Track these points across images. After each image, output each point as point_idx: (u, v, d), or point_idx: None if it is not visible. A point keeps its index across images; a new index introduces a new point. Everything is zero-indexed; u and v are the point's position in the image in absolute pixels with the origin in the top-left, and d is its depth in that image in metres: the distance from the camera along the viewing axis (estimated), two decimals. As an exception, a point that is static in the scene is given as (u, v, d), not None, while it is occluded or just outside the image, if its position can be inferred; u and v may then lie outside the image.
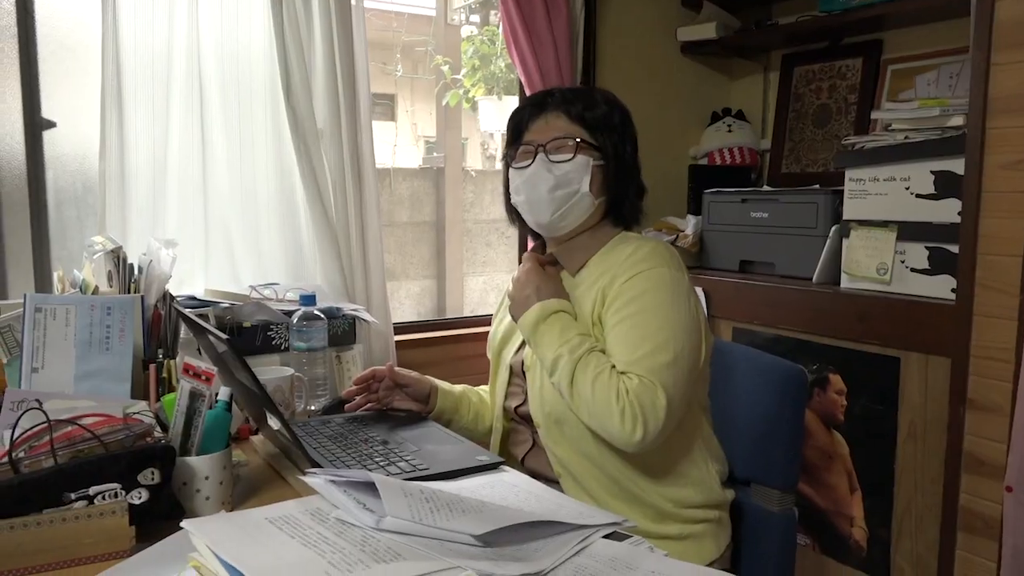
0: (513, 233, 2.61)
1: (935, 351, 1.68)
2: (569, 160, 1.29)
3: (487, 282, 3.33)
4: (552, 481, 1.28)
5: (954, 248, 1.65)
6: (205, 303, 1.70)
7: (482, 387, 1.55)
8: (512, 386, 1.39)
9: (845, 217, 1.93)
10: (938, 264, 1.73)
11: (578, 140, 1.29)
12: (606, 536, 1.00)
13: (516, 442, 1.39)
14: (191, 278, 1.90)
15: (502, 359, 1.42)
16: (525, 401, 1.34)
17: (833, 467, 1.92)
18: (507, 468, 1.22)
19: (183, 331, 1.47)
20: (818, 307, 1.94)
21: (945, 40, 2.17)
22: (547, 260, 1.37)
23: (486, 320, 2.56)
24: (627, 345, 1.19)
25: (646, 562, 0.94)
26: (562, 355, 1.20)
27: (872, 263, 1.86)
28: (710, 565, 1.26)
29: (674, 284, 1.23)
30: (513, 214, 1.41)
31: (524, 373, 1.34)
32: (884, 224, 1.84)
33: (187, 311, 1.33)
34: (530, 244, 1.54)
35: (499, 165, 2.79)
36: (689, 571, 0.92)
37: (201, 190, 1.89)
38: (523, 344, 1.35)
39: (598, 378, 1.16)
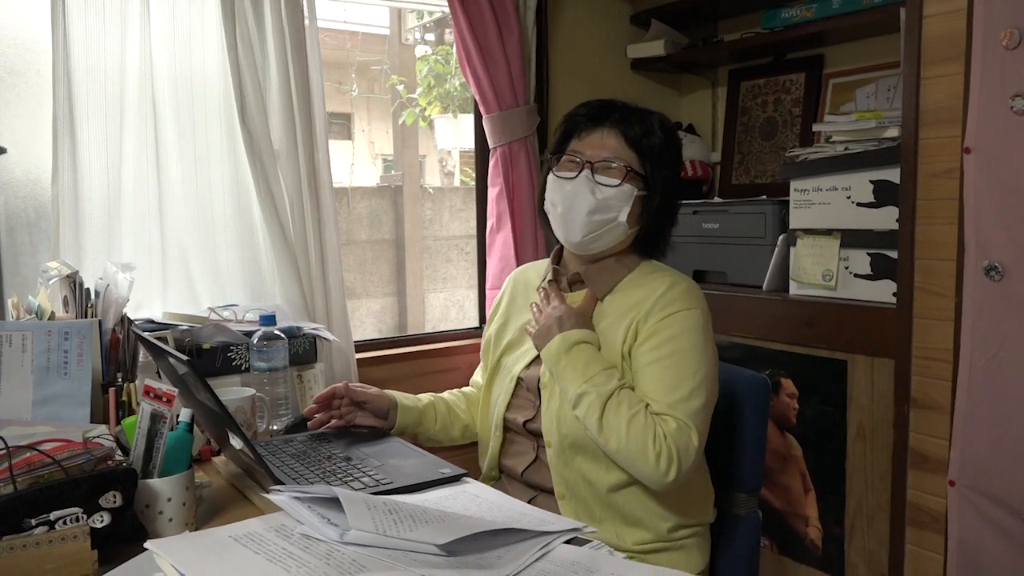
0: (472, 249, 2.63)
1: (880, 353, 1.75)
2: (615, 186, 1.26)
3: (448, 298, 3.35)
4: (551, 495, 1.30)
5: (894, 254, 1.72)
6: (164, 326, 1.69)
7: (453, 392, 1.55)
8: (518, 398, 1.37)
9: (791, 226, 2.00)
10: (880, 269, 1.80)
11: (628, 167, 1.27)
12: (567, 542, 1.02)
13: (514, 453, 1.37)
14: (149, 301, 1.89)
15: (503, 367, 1.41)
16: (535, 417, 1.33)
17: (787, 469, 1.97)
18: (469, 480, 1.24)
19: (142, 354, 1.47)
20: (769, 314, 2.00)
21: (882, 55, 2.27)
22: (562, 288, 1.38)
23: (448, 335, 2.59)
24: (664, 387, 1.20)
25: (606, 565, 0.97)
26: (588, 391, 1.20)
27: (818, 270, 1.93)
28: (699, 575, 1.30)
29: (706, 327, 1.26)
30: (544, 217, 1.37)
31: (539, 390, 1.32)
32: (828, 232, 1.91)
33: (146, 334, 1.33)
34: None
35: (458, 182, 2.81)
36: (648, 572, 0.96)
37: (157, 213, 1.89)
38: (537, 359, 1.34)
39: (634, 419, 1.17)
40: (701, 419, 1.20)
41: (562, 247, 1.38)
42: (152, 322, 1.73)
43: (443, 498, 1.17)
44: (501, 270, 2.36)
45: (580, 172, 1.27)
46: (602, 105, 1.32)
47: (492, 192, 2.39)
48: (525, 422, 1.34)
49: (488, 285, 2.44)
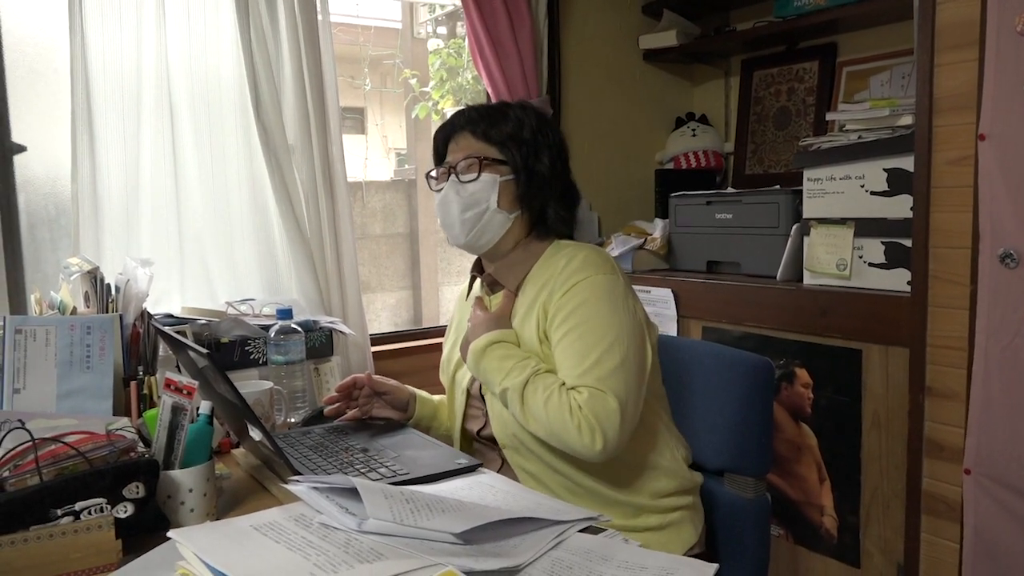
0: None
1: (894, 342, 1.74)
2: (474, 180, 1.31)
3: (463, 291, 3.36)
4: None
5: (908, 242, 1.71)
6: (182, 320, 1.71)
7: None
8: (471, 408, 1.40)
9: (805, 216, 1.99)
10: (894, 258, 1.79)
11: (482, 158, 1.32)
12: (582, 530, 1.03)
13: (487, 464, 1.38)
14: (167, 296, 1.91)
15: (456, 383, 1.43)
16: (486, 424, 1.35)
17: (802, 459, 1.97)
18: (485, 470, 1.26)
19: (162, 348, 1.49)
20: (782, 304, 2.00)
21: (896, 42, 2.25)
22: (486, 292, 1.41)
23: (462, 328, 2.60)
24: (573, 359, 1.20)
25: (620, 553, 0.98)
26: (507, 386, 1.22)
27: (832, 259, 1.92)
28: (690, 549, 1.31)
29: (611, 289, 1.25)
30: None
31: (483, 397, 1.34)
32: (842, 221, 1.90)
33: (165, 329, 1.35)
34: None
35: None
36: (663, 560, 0.96)
37: (174, 209, 1.91)
38: None
39: (549, 400, 1.18)
40: (617, 381, 1.18)
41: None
42: (171, 316, 1.76)
43: (459, 488, 1.18)
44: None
45: (448, 179, 1.34)
46: (455, 115, 1.38)
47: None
48: (479, 431, 1.37)
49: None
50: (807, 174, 1.97)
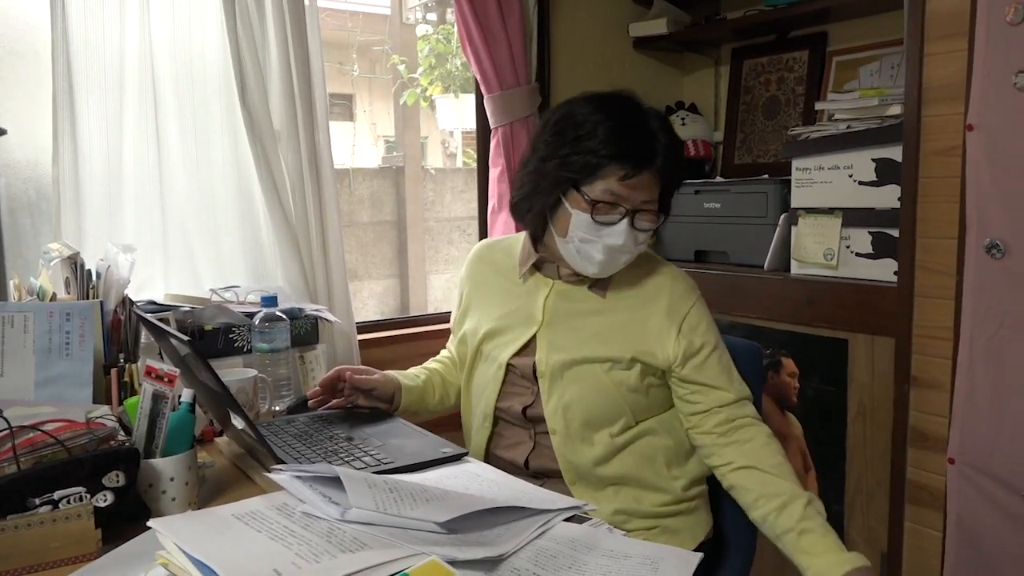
0: (474, 230, 2.63)
1: (880, 332, 1.75)
2: (650, 230, 1.29)
3: (450, 280, 3.35)
4: (559, 479, 1.33)
5: (895, 232, 1.71)
6: (165, 307, 1.70)
7: (440, 360, 1.58)
8: (511, 386, 1.38)
9: (793, 205, 1.99)
10: (881, 248, 1.80)
11: (661, 204, 1.30)
12: (567, 520, 1.03)
13: (508, 445, 1.39)
14: (150, 283, 1.89)
15: (486, 355, 1.41)
16: (534, 403, 1.35)
17: (788, 448, 1.98)
18: (471, 459, 1.25)
19: (144, 336, 1.47)
20: (770, 293, 2.00)
21: (886, 31, 2.24)
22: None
23: (450, 317, 2.59)
24: (730, 374, 1.32)
25: (604, 542, 0.97)
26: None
27: (819, 249, 1.92)
28: (710, 532, 1.39)
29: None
30: (533, 220, 1.35)
31: (536, 377, 1.35)
32: (830, 211, 1.90)
33: (147, 315, 1.33)
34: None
35: (460, 163, 2.78)
36: (647, 549, 0.96)
37: (158, 194, 1.89)
38: (526, 346, 1.36)
39: (778, 455, 1.27)
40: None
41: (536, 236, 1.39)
42: (154, 303, 1.74)
43: (444, 477, 1.18)
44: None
45: (622, 219, 1.25)
46: (645, 148, 1.25)
47: (494, 172, 2.39)
48: (524, 408, 1.36)
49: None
50: (795, 164, 1.97)
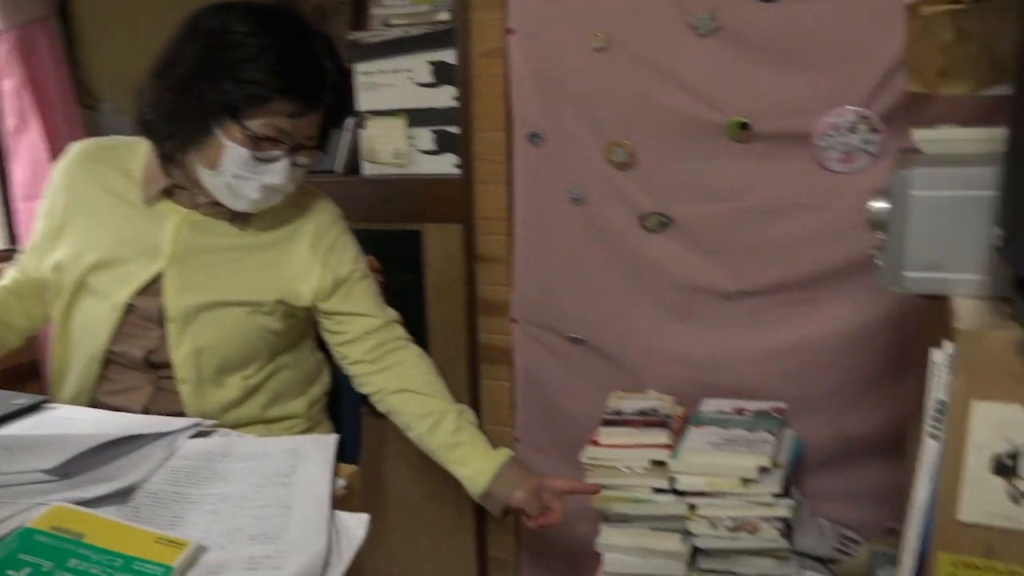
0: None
1: (448, 220, 1.95)
2: (309, 167, 1.23)
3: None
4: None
5: (454, 129, 1.90)
6: None
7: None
8: (130, 327, 1.22)
9: (360, 109, 2.07)
10: (443, 144, 1.98)
11: (320, 138, 1.24)
12: (194, 437, 1.00)
13: (121, 390, 1.24)
14: None
15: (93, 290, 1.21)
16: (159, 349, 1.22)
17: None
18: (55, 404, 1.12)
19: None
20: (346, 196, 2.03)
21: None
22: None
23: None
24: (378, 299, 1.37)
25: (240, 446, 0.98)
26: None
27: (388, 150, 2.05)
28: None
29: None
30: (171, 145, 1.18)
31: (160, 320, 1.20)
32: (394, 113, 2.02)
33: None
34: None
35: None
36: (284, 442, 0.99)
37: None
38: (150, 285, 1.20)
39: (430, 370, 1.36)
40: None
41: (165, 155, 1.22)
42: None
43: (29, 429, 1.04)
44: (33, 178, 2.04)
45: (284, 157, 1.17)
46: (314, 82, 1.17)
47: (7, 85, 2.02)
48: (147, 354, 1.22)
49: (18, 197, 2.10)
50: (359, 68, 2.03)
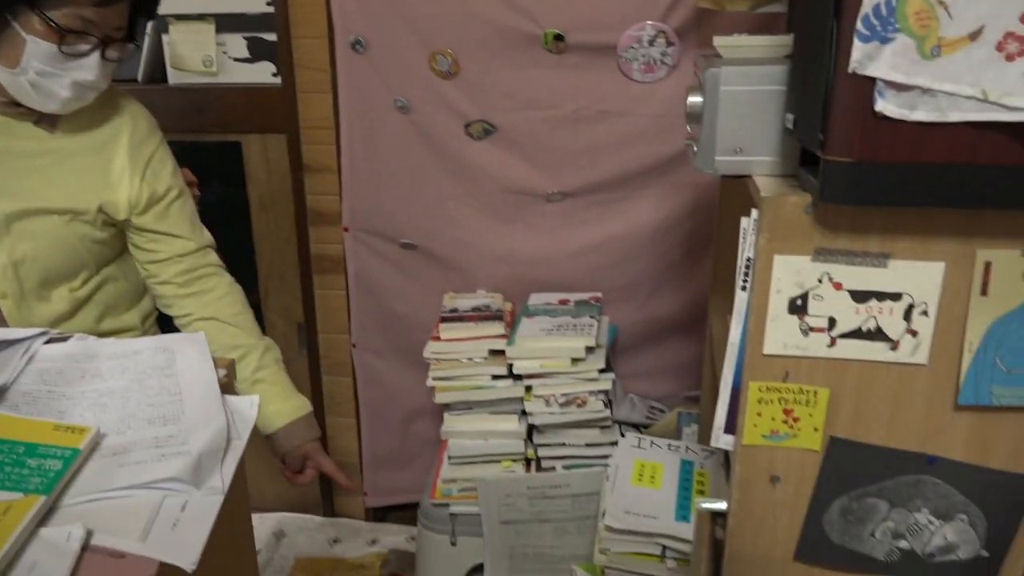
0: None
1: (271, 130, 1.91)
2: (120, 61, 1.14)
3: None
4: None
5: (271, 36, 1.85)
6: None
7: None
8: None
9: (161, 12, 1.93)
10: (257, 52, 1.92)
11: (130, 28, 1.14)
12: (48, 344, 0.97)
13: None
14: None
15: None
16: None
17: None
18: None
19: None
20: (154, 105, 1.91)
21: None
22: None
23: None
24: (193, 221, 1.31)
25: (104, 347, 0.96)
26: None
27: (197, 57, 1.94)
28: None
29: None
30: None
31: None
32: (201, 17, 1.92)
33: None
34: None
35: None
36: (153, 340, 0.98)
37: None
38: None
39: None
40: None
41: None
42: None
43: None
44: None
45: (93, 51, 1.09)
46: None
47: None
48: None
49: None
50: (158, -35, 1.89)
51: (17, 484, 0.65)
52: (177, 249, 1.26)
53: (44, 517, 0.66)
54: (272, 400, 1.29)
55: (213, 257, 1.33)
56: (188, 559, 0.66)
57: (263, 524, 2.09)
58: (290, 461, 1.33)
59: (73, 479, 0.70)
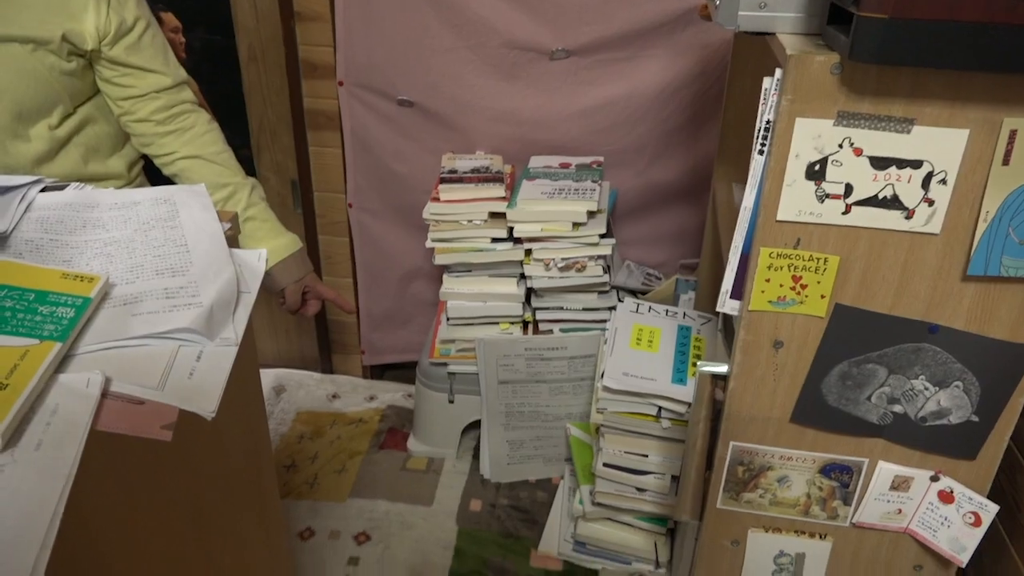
0: None
1: (259, -27, 1.80)
2: None
3: None
4: None
5: None
6: None
7: None
8: None
9: None
10: None
11: None
12: (45, 192, 0.94)
13: None
14: None
15: None
16: None
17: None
18: None
19: None
20: None
21: None
22: None
23: None
24: (167, 56, 1.24)
25: (104, 197, 0.94)
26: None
27: None
28: None
29: None
30: None
31: None
32: None
33: None
34: None
35: None
36: (152, 191, 0.96)
37: None
38: None
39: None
40: None
41: None
42: None
43: None
44: None
45: None
46: None
47: None
48: None
49: None
50: None
51: (31, 330, 0.65)
52: (153, 84, 1.23)
53: (60, 364, 0.66)
54: (265, 238, 1.30)
55: (189, 94, 1.29)
56: (207, 407, 0.67)
57: (263, 379, 2.11)
58: (289, 297, 1.36)
59: (86, 327, 0.70)
